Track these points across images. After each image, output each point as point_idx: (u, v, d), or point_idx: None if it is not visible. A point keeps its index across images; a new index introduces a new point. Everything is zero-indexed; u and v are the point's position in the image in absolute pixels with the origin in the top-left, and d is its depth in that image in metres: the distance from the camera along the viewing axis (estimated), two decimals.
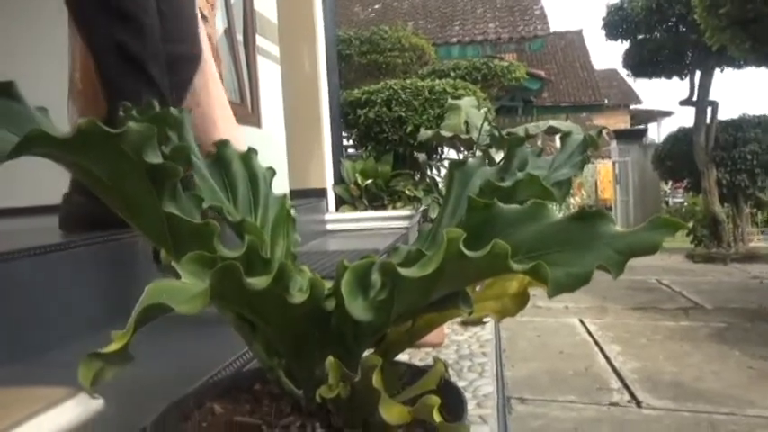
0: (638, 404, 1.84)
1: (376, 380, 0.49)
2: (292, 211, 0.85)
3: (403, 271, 0.45)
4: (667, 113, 20.09)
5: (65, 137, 0.54)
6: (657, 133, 17.20)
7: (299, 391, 0.71)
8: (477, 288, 0.67)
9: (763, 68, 3.39)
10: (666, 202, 10.32)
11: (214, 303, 0.57)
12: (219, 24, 4.72)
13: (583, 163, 0.82)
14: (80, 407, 0.56)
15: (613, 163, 6.40)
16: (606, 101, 15.64)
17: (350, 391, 0.58)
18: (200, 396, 0.77)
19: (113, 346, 0.38)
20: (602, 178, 13.24)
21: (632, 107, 22.11)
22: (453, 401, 0.66)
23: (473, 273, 0.47)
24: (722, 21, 2.44)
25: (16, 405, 0.55)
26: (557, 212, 0.50)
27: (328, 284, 0.60)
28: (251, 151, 0.89)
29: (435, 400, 0.45)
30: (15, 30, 2.86)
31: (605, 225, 0.47)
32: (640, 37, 4.79)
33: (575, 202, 14.15)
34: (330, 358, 0.57)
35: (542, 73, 11.28)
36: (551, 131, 2.54)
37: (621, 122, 21.51)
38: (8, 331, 0.74)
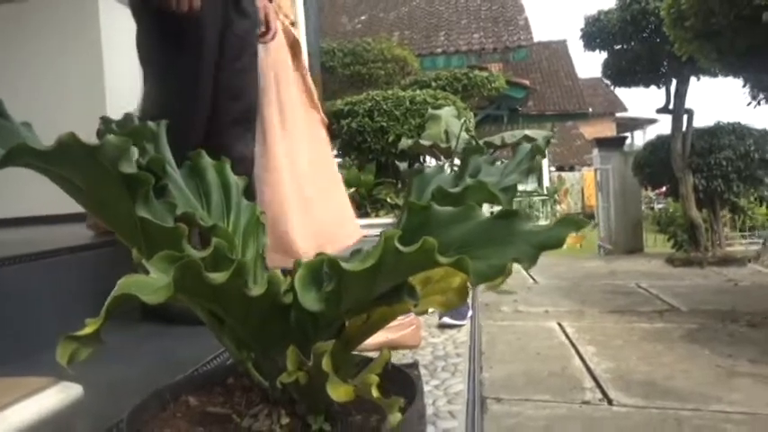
0: (610, 402, 1.90)
1: (325, 363, 0.55)
2: (262, 218, 0.91)
3: (345, 265, 0.52)
4: (652, 121, 20.39)
5: (46, 149, 0.60)
6: (643, 140, 17.39)
7: (267, 382, 0.77)
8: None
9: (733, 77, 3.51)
10: (652, 208, 10.46)
11: (183, 298, 0.63)
12: None
13: (530, 170, 0.89)
14: (61, 394, 0.62)
15: (595, 170, 6.52)
16: (591, 109, 15.86)
17: (308, 378, 0.64)
18: (177, 389, 0.83)
19: (87, 330, 0.44)
20: (588, 185, 13.35)
21: (618, 115, 22.37)
22: (404, 386, 0.73)
23: (408, 266, 0.54)
24: (688, 33, 2.54)
25: (1, 392, 0.60)
26: (485, 213, 0.57)
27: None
28: (224, 161, 0.95)
29: (374, 378, 0.52)
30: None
31: (522, 224, 0.53)
32: (617, 47, 4.92)
33: (560, 209, 14.32)
34: (290, 347, 0.64)
35: (527, 82, 11.44)
36: (528, 140, 2.62)
37: (607, 130, 21.77)
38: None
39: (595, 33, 4.88)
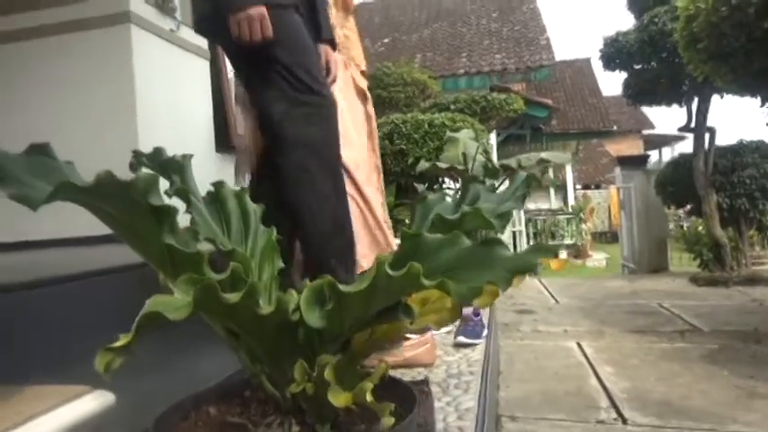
0: (624, 421, 1.92)
1: (327, 373, 0.62)
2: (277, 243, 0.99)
3: (342, 287, 0.59)
4: (680, 138, 20.09)
5: (86, 186, 0.69)
6: (671, 157, 17.16)
7: (278, 394, 0.84)
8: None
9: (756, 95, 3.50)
10: (681, 226, 10.30)
11: (203, 316, 0.71)
12: None
13: (524, 198, 0.96)
14: (96, 400, 0.69)
15: (617, 189, 6.49)
16: (615, 127, 15.74)
17: (315, 387, 0.71)
18: (198, 400, 0.91)
19: (120, 342, 0.52)
20: (614, 203, 13.20)
21: (645, 132, 22.10)
22: (403, 397, 0.79)
23: (398, 288, 0.60)
24: (702, 55, 2.58)
25: (39, 399, 0.68)
26: (471, 240, 0.63)
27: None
28: (243, 191, 1.04)
29: (368, 385, 0.59)
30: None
31: (501, 250, 0.60)
32: (637, 67, 4.94)
33: (586, 227, 14.16)
34: (298, 360, 0.71)
35: (549, 101, 11.45)
36: (543, 163, 2.67)
37: (634, 147, 21.53)
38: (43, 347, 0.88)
39: (614, 54, 4.91)
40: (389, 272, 0.57)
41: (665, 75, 4.51)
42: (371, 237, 1.82)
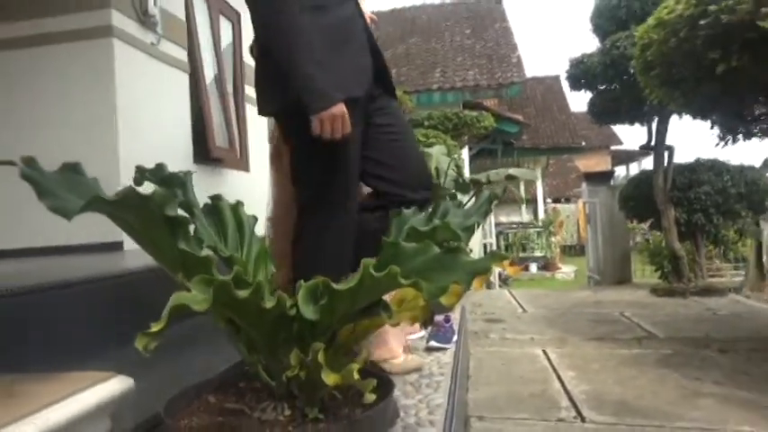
0: (583, 420, 2.07)
1: (320, 356, 0.74)
2: (269, 249, 1.11)
3: (334, 285, 0.72)
4: (647, 153, 20.70)
5: (113, 199, 0.81)
6: (633, 174, 17.70)
7: (273, 382, 0.96)
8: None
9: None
10: (647, 240, 10.66)
11: (212, 311, 0.83)
12: (209, 67, 5.02)
13: (487, 213, 1.10)
14: (117, 385, 0.80)
15: (584, 203, 6.74)
16: (584, 143, 16.20)
17: (307, 373, 0.84)
18: (199, 389, 1.02)
19: (155, 328, 0.64)
20: (582, 217, 13.54)
21: (613, 148, 22.70)
22: (383, 383, 0.92)
23: (381, 287, 0.73)
24: (655, 81, 2.79)
25: (73, 382, 0.78)
26: (437, 249, 0.77)
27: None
28: (239, 203, 1.16)
29: (355, 366, 0.71)
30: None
31: (463, 255, 0.74)
32: (601, 88, 5.20)
33: (555, 240, 14.51)
34: (293, 349, 0.83)
35: (520, 117, 11.77)
36: (510, 178, 2.83)
37: (602, 162, 22.07)
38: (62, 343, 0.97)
39: (579, 75, 5.17)
40: (373, 273, 0.70)
41: (626, 96, 4.76)
42: None
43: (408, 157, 1.58)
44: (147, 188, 1.02)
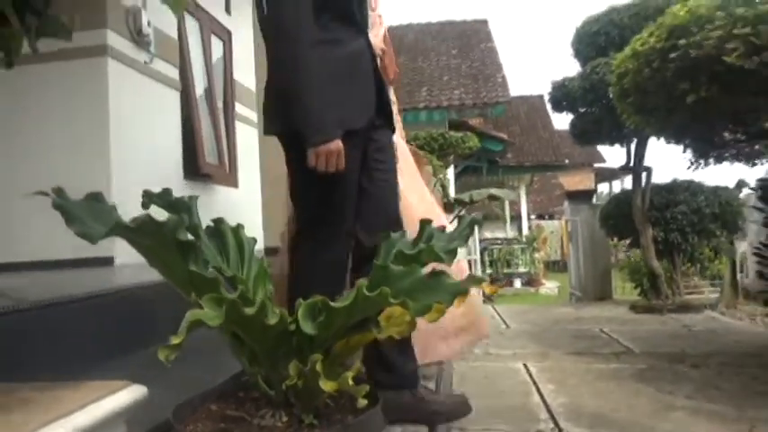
0: (560, 431, 2.17)
1: (318, 366, 0.84)
2: (268, 269, 1.21)
3: (331, 303, 0.81)
4: (630, 172, 21.08)
5: (132, 226, 0.90)
6: (614, 193, 18.09)
7: (272, 391, 1.05)
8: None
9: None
10: (629, 257, 10.86)
11: (221, 326, 0.91)
12: (200, 85, 5.10)
13: (468, 237, 1.20)
14: (131, 393, 0.88)
15: (566, 221, 6.90)
16: (567, 161, 16.50)
17: (305, 382, 0.93)
18: (203, 398, 1.11)
19: (175, 341, 0.73)
20: (565, 233, 13.72)
21: (596, 165, 23.07)
22: (372, 393, 1.01)
23: (373, 305, 0.83)
24: (630, 108, 2.94)
25: (90, 391, 0.85)
26: (423, 271, 0.87)
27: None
28: (239, 226, 1.25)
29: (350, 374, 0.81)
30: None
31: (446, 278, 0.84)
32: (582, 110, 5.38)
33: (539, 256, 14.70)
34: (293, 361, 0.93)
35: (504, 136, 12.01)
36: (492, 198, 2.94)
37: (586, 180, 22.39)
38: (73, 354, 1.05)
39: (561, 97, 5.35)
40: (366, 293, 0.79)
41: (605, 119, 4.94)
42: None
43: (382, 203, 1.67)
44: (153, 210, 1.12)
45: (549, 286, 13.04)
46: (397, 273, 0.88)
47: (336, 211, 1.53)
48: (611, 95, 4.33)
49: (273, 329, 0.86)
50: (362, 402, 0.78)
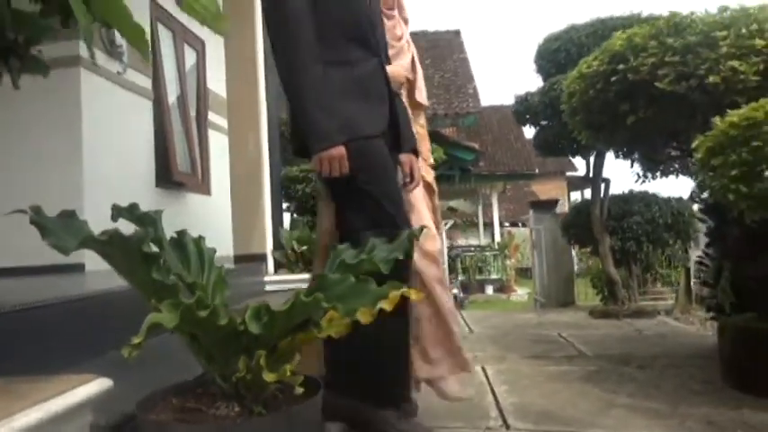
0: (508, 427, 2.33)
1: (262, 361, 0.97)
2: (225, 277, 1.34)
3: (274, 307, 0.95)
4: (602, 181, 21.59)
5: (102, 239, 1.03)
6: (574, 204, 18.48)
7: (226, 385, 1.18)
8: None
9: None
10: (589, 265, 11.19)
11: (179, 328, 1.04)
12: (173, 94, 5.18)
13: (407, 250, 1.35)
14: (98, 385, 1.00)
15: (530, 230, 7.14)
16: (537, 170, 16.86)
17: (252, 375, 1.06)
18: (164, 393, 1.23)
19: (136, 340, 0.86)
20: (530, 242, 13.96)
21: (568, 174, 23.53)
22: (312, 384, 1.15)
23: (309, 308, 0.97)
24: (579, 125, 3.15)
25: (59, 383, 0.97)
26: (353, 279, 1.01)
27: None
28: (200, 238, 1.38)
29: (288, 366, 0.94)
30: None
31: (371, 285, 0.98)
32: (543, 123, 5.62)
33: (510, 263, 14.98)
34: (242, 357, 1.06)
35: (476, 145, 12.27)
36: (451, 210, 3.10)
37: (558, 188, 22.83)
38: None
39: (524, 111, 5.58)
40: (303, 298, 0.94)
41: (564, 133, 5.16)
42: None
43: None
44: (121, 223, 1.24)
45: (520, 293, 13.31)
46: (332, 280, 1.02)
47: (389, 216, 1.59)
48: None
49: (224, 330, 0.99)
50: (299, 390, 0.91)
